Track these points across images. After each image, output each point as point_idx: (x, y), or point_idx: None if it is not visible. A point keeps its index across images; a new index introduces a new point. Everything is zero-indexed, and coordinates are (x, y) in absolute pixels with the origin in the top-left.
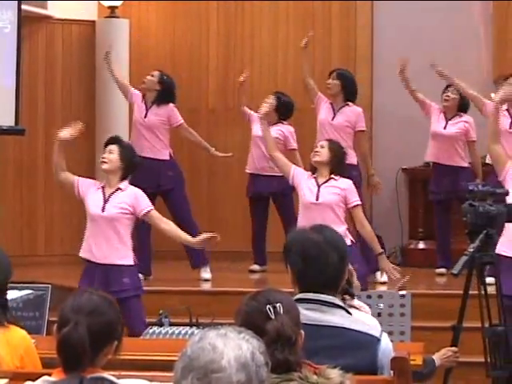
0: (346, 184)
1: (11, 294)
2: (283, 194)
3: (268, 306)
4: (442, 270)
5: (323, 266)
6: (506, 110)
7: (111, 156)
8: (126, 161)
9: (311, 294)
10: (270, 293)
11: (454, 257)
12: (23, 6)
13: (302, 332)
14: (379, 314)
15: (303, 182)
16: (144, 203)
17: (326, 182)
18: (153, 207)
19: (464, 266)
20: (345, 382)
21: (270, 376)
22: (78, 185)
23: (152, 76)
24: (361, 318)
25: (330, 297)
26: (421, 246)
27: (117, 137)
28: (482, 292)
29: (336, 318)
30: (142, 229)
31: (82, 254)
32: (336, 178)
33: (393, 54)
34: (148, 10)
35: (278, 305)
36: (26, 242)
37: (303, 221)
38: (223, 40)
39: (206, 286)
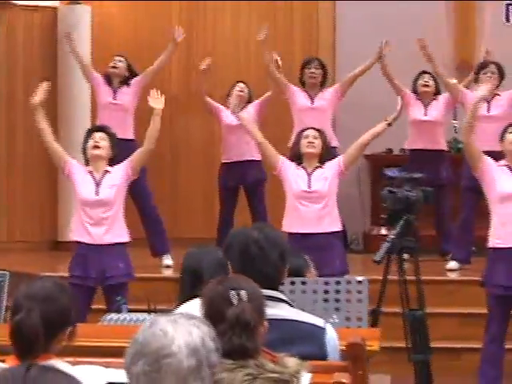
0: (330, 165)
1: None
2: (258, 184)
3: (232, 291)
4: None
5: (262, 264)
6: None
7: (103, 143)
8: (114, 148)
9: None
10: (236, 280)
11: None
12: None
13: (266, 323)
14: (337, 300)
15: (291, 172)
16: (124, 164)
17: (314, 170)
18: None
19: (386, 253)
20: (302, 370)
21: (223, 362)
22: (70, 165)
23: (121, 62)
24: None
25: (274, 291)
26: (383, 231)
27: (104, 126)
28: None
29: (282, 312)
30: None
31: (77, 237)
32: (323, 165)
33: (355, 43)
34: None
35: (242, 292)
36: None
37: (293, 212)
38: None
39: (168, 273)
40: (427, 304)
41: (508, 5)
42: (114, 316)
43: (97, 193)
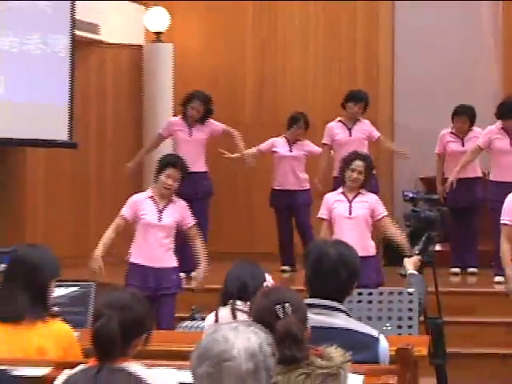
0: (372, 198)
1: (60, 291)
2: (302, 207)
3: (277, 305)
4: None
5: (332, 280)
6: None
7: (172, 183)
8: (182, 181)
9: (317, 299)
10: (280, 292)
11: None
12: (77, 32)
13: (309, 327)
14: (390, 310)
15: (333, 200)
16: (190, 217)
17: (355, 196)
18: (194, 222)
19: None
20: (346, 361)
21: (278, 366)
22: (127, 219)
23: (199, 106)
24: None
25: (334, 302)
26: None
27: (177, 160)
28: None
29: (340, 321)
30: None
31: (135, 259)
32: (363, 192)
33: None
34: (190, 34)
35: (286, 305)
36: (79, 245)
37: (336, 234)
38: (258, 62)
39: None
40: (479, 313)
41: None
42: (188, 323)
43: (159, 219)
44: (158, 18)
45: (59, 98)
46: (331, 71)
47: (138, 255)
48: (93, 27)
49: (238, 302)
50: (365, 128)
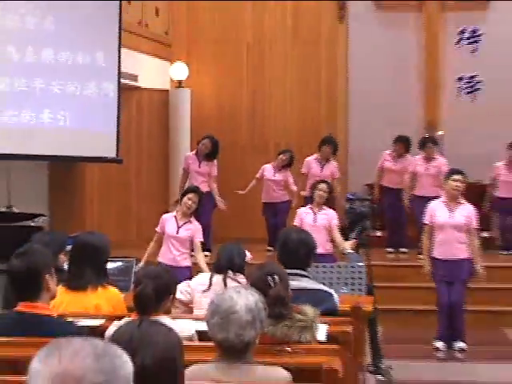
0: (331, 212)
1: (110, 265)
2: (282, 212)
3: (269, 276)
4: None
5: (295, 256)
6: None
7: (192, 205)
8: (199, 203)
9: (287, 270)
10: (270, 266)
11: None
12: (122, 80)
13: (291, 292)
14: (346, 278)
15: (303, 212)
16: (199, 235)
17: (319, 210)
18: (202, 239)
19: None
20: (317, 315)
21: (269, 320)
22: (159, 232)
23: (206, 143)
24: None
25: (299, 270)
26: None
27: (195, 188)
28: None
29: (305, 284)
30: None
31: (161, 259)
32: (325, 208)
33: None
34: (202, 82)
35: (275, 276)
36: (123, 232)
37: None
38: (251, 97)
39: None
40: (407, 280)
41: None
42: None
43: (177, 232)
44: (180, 71)
45: (109, 128)
46: (302, 106)
47: (162, 257)
48: (133, 77)
49: (230, 272)
50: (331, 168)
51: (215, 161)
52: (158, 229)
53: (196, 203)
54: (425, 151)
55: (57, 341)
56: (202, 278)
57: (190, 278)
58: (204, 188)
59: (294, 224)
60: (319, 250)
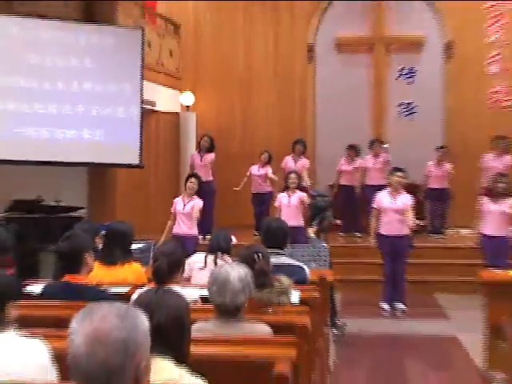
0: (301, 194)
1: (135, 246)
2: (267, 201)
3: (255, 254)
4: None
5: (275, 238)
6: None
7: (192, 186)
8: (199, 186)
9: (269, 249)
10: (255, 246)
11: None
12: (143, 105)
13: (271, 266)
14: (314, 256)
15: (281, 196)
16: (197, 207)
17: (293, 193)
18: (201, 206)
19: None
20: (291, 284)
21: (255, 289)
22: (172, 212)
23: (207, 141)
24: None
25: (278, 249)
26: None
27: (195, 173)
28: None
29: (283, 260)
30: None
31: (175, 231)
32: (297, 191)
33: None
34: (205, 108)
35: (260, 254)
36: (144, 220)
37: (283, 215)
38: (242, 115)
39: None
40: (360, 257)
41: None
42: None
43: (183, 208)
44: (188, 98)
45: (134, 142)
46: (281, 123)
47: (175, 229)
48: (152, 103)
49: (219, 254)
50: (303, 163)
51: (213, 154)
52: (172, 209)
53: (196, 184)
54: (372, 149)
55: (90, 305)
56: (198, 257)
57: (196, 247)
58: (206, 177)
59: (275, 205)
60: (293, 223)
